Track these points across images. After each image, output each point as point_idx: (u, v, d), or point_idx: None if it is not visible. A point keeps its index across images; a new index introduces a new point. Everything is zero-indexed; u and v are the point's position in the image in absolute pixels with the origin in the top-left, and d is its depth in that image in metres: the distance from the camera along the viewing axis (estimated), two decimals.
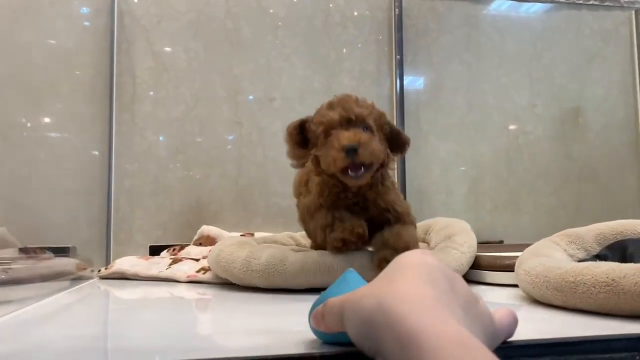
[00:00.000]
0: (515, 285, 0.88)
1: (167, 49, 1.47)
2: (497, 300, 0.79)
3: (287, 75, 1.52)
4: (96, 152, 1.41)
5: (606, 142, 1.67)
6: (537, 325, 0.60)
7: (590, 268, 0.65)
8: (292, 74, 1.52)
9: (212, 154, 1.47)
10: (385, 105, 1.57)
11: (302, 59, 1.53)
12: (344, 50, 1.56)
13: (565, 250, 0.86)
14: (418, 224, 1.02)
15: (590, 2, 1.69)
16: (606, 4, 1.70)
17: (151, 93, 1.46)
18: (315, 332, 0.46)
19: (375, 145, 0.78)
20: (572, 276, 0.66)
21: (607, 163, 1.66)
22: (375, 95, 1.57)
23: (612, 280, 0.61)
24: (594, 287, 0.63)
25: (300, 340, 0.47)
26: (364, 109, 0.80)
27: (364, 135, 0.76)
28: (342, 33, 1.57)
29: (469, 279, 0.99)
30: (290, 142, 0.87)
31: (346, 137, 0.75)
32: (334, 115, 0.78)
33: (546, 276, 0.70)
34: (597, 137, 1.67)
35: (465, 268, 0.95)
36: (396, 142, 0.87)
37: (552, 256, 0.80)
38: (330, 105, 0.80)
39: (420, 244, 1.16)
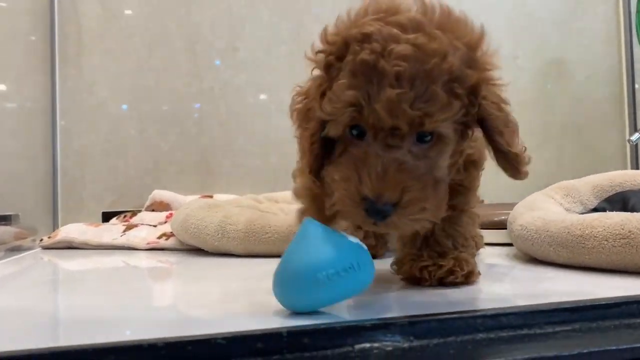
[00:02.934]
0: (507, 244, 0.80)
1: None
2: (488, 260, 0.70)
3: (251, 22, 1.38)
4: (37, 110, 1.27)
5: (589, 95, 1.60)
6: (545, 286, 0.52)
7: (600, 219, 0.57)
8: (257, 21, 1.39)
9: (169, 111, 1.34)
10: None
11: (267, 4, 1.39)
12: None
13: (561, 204, 0.78)
14: None
15: None
16: None
17: (99, 43, 1.31)
18: (281, 301, 0.40)
19: (431, 194, 0.42)
20: (580, 229, 0.57)
21: (590, 117, 1.59)
22: None
23: (629, 232, 0.53)
24: (606, 240, 0.54)
25: (269, 312, 0.40)
26: (436, 103, 0.41)
27: (413, 183, 0.41)
28: None
29: None
30: (306, 149, 0.47)
31: (374, 179, 0.40)
32: (366, 109, 0.41)
33: (548, 230, 0.61)
34: (580, 90, 1.59)
35: None
36: (492, 138, 0.47)
37: (549, 209, 0.72)
38: (365, 70, 0.41)
39: None
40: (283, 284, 0.39)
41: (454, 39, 0.42)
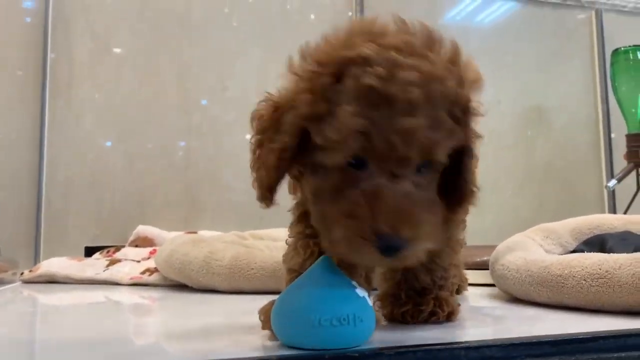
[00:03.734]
0: (488, 285, 0.81)
1: (109, 28, 1.35)
2: (471, 300, 0.71)
3: (241, 62, 1.42)
4: (25, 140, 1.27)
5: (568, 140, 1.65)
6: (525, 326, 0.53)
7: (579, 260, 0.58)
8: (247, 61, 1.42)
9: (157, 145, 1.35)
10: None
11: (258, 44, 1.43)
12: (304, 38, 1.47)
13: (541, 245, 0.80)
14: None
15: (552, 0, 1.67)
16: (567, 2, 1.68)
17: (90, 76, 1.32)
18: (275, 331, 0.40)
19: (439, 232, 0.42)
20: (559, 269, 0.59)
21: (570, 161, 1.64)
22: None
23: (606, 271, 0.55)
24: (584, 280, 0.56)
25: (258, 344, 0.40)
26: (445, 128, 0.40)
27: (426, 216, 0.40)
28: (301, 20, 1.48)
29: None
30: (270, 168, 0.44)
31: (390, 213, 0.38)
32: (376, 139, 0.39)
33: (529, 270, 0.63)
34: (560, 135, 1.65)
35: None
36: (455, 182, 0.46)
37: (529, 250, 0.74)
38: (371, 96, 0.39)
39: None
40: (279, 315, 0.40)
41: (445, 60, 0.42)
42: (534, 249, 0.76)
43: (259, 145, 0.46)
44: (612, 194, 1.63)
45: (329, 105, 0.40)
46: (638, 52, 1.43)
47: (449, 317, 0.50)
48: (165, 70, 1.38)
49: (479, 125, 0.46)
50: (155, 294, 0.85)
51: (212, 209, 1.36)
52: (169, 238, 1.05)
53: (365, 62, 0.39)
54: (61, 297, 0.86)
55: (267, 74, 1.42)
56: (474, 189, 0.46)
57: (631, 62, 1.42)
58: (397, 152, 0.39)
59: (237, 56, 1.42)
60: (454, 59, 0.43)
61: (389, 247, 0.38)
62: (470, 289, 0.79)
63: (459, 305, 0.52)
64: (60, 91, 1.30)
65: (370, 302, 0.40)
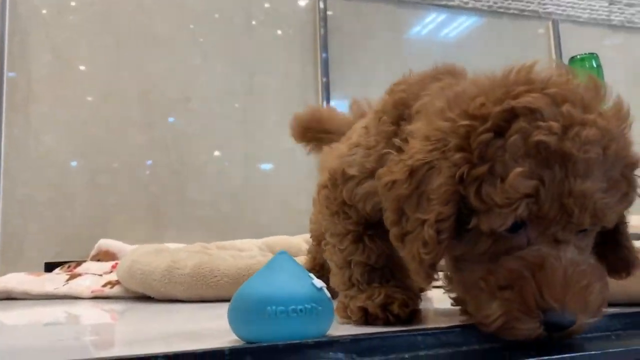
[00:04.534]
0: None
1: (70, 42, 1.32)
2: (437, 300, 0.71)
3: (204, 74, 1.41)
4: None
5: None
6: None
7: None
8: (210, 73, 1.41)
9: (120, 159, 1.33)
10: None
11: (221, 57, 1.43)
12: (267, 49, 1.47)
13: None
14: None
15: (511, 12, 1.71)
16: (525, 14, 1.73)
17: (50, 92, 1.30)
18: (231, 325, 0.39)
19: (605, 293, 0.37)
20: None
21: None
22: (300, 96, 1.49)
23: None
24: None
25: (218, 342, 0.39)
26: (619, 190, 0.37)
27: (595, 287, 0.35)
28: (264, 32, 1.48)
29: None
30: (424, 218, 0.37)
31: (559, 286, 0.34)
32: (547, 201, 0.35)
33: None
34: None
35: None
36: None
37: None
38: (543, 154, 0.35)
39: None
40: (234, 309, 0.39)
41: (615, 116, 0.37)
42: None
43: (401, 214, 0.38)
44: None
45: (489, 165, 0.35)
46: (593, 60, 1.47)
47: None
48: (128, 86, 1.36)
49: None
50: (116, 306, 0.83)
51: (177, 223, 1.34)
52: (131, 249, 1.03)
53: (534, 115, 0.35)
54: (19, 313, 0.83)
55: (232, 88, 1.42)
56: (634, 247, 0.41)
57: (587, 69, 1.46)
58: (570, 218, 0.35)
59: (200, 70, 1.42)
60: (621, 114, 0.38)
61: (556, 324, 0.34)
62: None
63: None
64: (18, 107, 1.27)
65: (328, 293, 0.40)
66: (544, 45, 1.74)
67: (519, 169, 0.34)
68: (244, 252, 1.12)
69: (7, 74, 1.27)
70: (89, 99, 1.33)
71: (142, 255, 0.86)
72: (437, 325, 0.37)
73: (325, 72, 1.51)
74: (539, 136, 0.34)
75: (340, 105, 1.52)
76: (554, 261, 0.34)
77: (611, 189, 0.35)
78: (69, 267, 1.12)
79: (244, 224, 1.37)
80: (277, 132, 1.46)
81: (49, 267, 1.18)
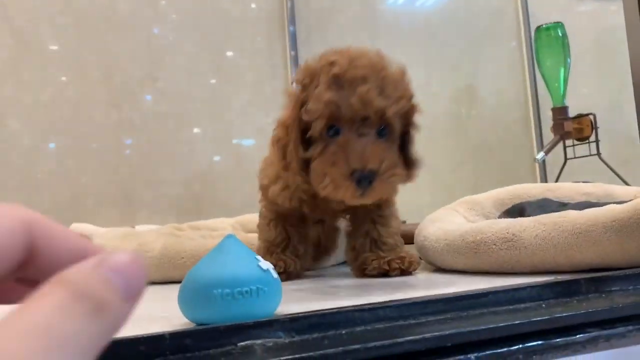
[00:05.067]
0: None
1: (30, 24, 1.30)
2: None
3: (172, 52, 1.39)
4: None
5: (500, 118, 1.70)
6: (439, 289, 0.54)
7: (489, 225, 0.61)
8: (177, 52, 1.40)
9: (87, 142, 1.31)
10: (280, 83, 1.49)
11: (188, 36, 1.41)
12: (234, 25, 1.46)
13: (465, 217, 0.83)
14: None
15: None
16: None
17: (13, 75, 1.28)
18: (180, 307, 0.40)
19: (400, 171, 0.56)
20: (472, 236, 0.61)
21: (502, 139, 1.70)
22: (270, 72, 1.48)
23: (513, 235, 0.57)
24: (494, 244, 0.58)
25: (170, 325, 0.40)
26: (391, 99, 0.54)
27: (386, 156, 0.53)
28: (231, 8, 1.47)
29: None
30: (289, 141, 0.57)
31: (358, 155, 0.52)
32: (343, 105, 0.53)
33: (446, 239, 0.65)
34: (491, 115, 1.70)
35: None
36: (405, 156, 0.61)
37: (451, 221, 0.76)
38: (337, 80, 0.53)
39: None
40: (182, 292, 0.40)
41: (387, 62, 0.57)
42: (457, 220, 0.79)
43: (283, 154, 0.59)
44: (543, 167, 1.70)
45: (309, 94, 0.56)
46: (559, 29, 1.49)
47: (410, 266, 0.63)
48: (93, 67, 1.34)
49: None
50: None
51: (149, 204, 1.34)
52: (99, 233, 1.03)
53: (333, 63, 0.54)
54: None
55: (200, 66, 1.41)
56: (416, 157, 0.62)
57: (553, 38, 1.48)
58: (359, 113, 0.53)
59: (167, 49, 1.40)
60: (408, 91, 0.59)
61: (361, 179, 0.51)
62: None
63: (420, 258, 0.66)
64: None
65: (275, 274, 0.41)
66: (512, 15, 1.75)
67: (320, 88, 0.54)
68: (217, 231, 1.13)
69: None
70: (53, 80, 1.31)
71: (109, 240, 0.86)
72: (373, 301, 0.38)
73: (294, 45, 1.50)
74: (334, 71, 0.53)
75: None
76: (356, 142, 0.53)
77: (387, 95, 0.54)
78: None
79: (216, 204, 1.37)
80: (248, 110, 1.46)
81: None
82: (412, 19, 1.66)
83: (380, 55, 0.57)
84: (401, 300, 0.38)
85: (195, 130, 1.40)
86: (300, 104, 0.56)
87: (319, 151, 0.55)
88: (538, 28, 1.52)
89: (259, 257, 0.42)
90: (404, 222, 1.54)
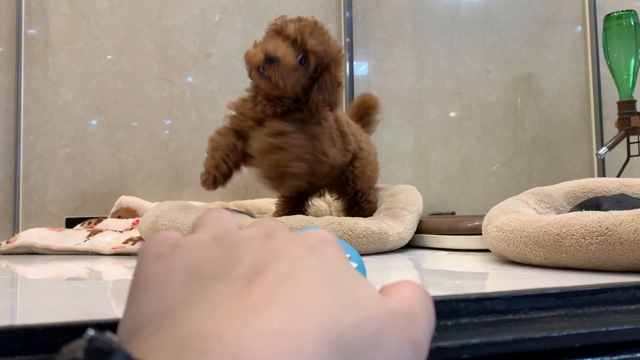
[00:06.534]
0: (480, 250, 0.80)
1: None
2: (466, 263, 0.69)
3: (224, 28, 1.37)
4: (0, 110, 1.22)
5: (558, 110, 1.62)
6: (525, 280, 0.50)
7: (577, 218, 0.56)
8: (230, 28, 1.37)
9: (138, 115, 1.30)
10: None
11: (241, 12, 1.38)
12: (288, 6, 1.42)
13: (534, 209, 0.78)
14: None
15: None
16: None
17: (67, 44, 1.27)
18: None
19: (294, 78, 0.76)
20: (557, 228, 0.57)
21: (559, 132, 1.62)
22: None
23: (606, 228, 0.52)
24: (583, 238, 0.54)
25: None
26: (315, 41, 0.76)
27: (292, 56, 0.75)
28: None
29: (419, 244, 0.91)
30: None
31: (273, 46, 0.74)
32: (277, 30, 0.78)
33: (524, 230, 0.60)
34: (549, 106, 1.62)
35: (411, 232, 0.87)
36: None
37: (523, 213, 0.71)
38: (275, 30, 0.78)
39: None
40: None
41: (316, 25, 0.78)
42: (528, 211, 0.74)
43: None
44: (602, 163, 1.62)
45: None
46: (631, 18, 1.40)
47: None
48: (146, 39, 1.33)
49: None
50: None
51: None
52: (153, 205, 1.02)
53: (274, 23, 0.78)
54: (41, 267, 0.83)
55: (250, 41, 1.38)
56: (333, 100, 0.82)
57: (624, 28, 1.39)
58: (287, 30, 0.76)
59: (220, 25, 1.37)
60: (330, 48, 0.79)
61: (269, 57, 0.73)
62: (461, 254, 0.77)
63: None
64: (36, 59, 1.25)
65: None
66: (577, 2, 1.66)
67: (264, 38, 0.79)
68: (263, 212, 1.11)
69: (27, 31, 1.24)
70: (106, 53, 1.30)
71: (166, 211, 0.85)
72: (481, 291, 0.34)
73: (349, 32, 1.45)
74: (272, 27, 0.78)
75: (360, 66, 1.47)
76: (278, 41, 0.77)
77: (311, 35, 0.76)
78: (89, 223, 1.11)
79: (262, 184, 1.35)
80: None
81: (70, 222, 1.18)
82: (471, 3, 1.59)
83: (316, 23, 0.78)
84: (510, 291, 0.34)
85: None
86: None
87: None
88: (608, 16, 1.44)
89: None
90: (453, 213, 1.50)
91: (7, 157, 1.22)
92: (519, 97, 1.61)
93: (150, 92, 1.31)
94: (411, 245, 0.90)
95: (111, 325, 0.30)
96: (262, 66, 0.74)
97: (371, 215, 0.92)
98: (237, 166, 0.85)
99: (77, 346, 0.16)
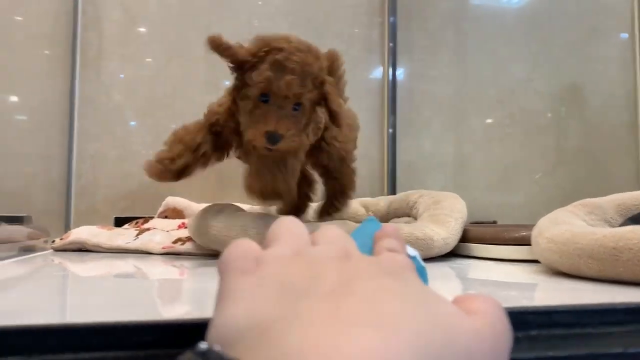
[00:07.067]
0: (526, 261, 0.79)
1: (137, 1, 1.33)
2: (514, 277, 0.69)
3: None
4: (55, 112, 1.27)
5: (604, 121, 1.59)
6: (581, 294, 0.50)
7: (635, 231, 0.55)
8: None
9: (185, 119, 1.33)
10: (376, 71, 1.46)
11: (287, 19, 1.40)
12: (333, 12, 1.44)
13: (585, 220, 0.77)
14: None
15: None
16: None
17: (119, 49, 1.31)
18: None
19: (298, 139, 0.75)
20: (613, 241, 0.56)
21: (604, 143, 1.59)
22: (366, 60, 1.46)
23: None
24: None
25: None
26: (306, 88, 0.73)
27: (291, 127, 0.72)
28: None
29: (462, 253, 0.90)
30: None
31: (273, 124, 0.71)
32: (274, 83, 0.71)
33: (577, 243, 0.60)
34: (595, 116, 1.59)
35: (456, 238, 0.87)
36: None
37: (575, 224, 0.71)
38: (277, 64, 0.70)
39: (405, 218, 1.08)
40: None
41: (315, 56, 0.73)
42: (578, 223, 0.73)
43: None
44: None
45: (255, 68, 0.72)
46: None
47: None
48: (194, 46, 1.36)
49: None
50: (187, 263, 0.84)
51: (239, 183, 1.34)
52: (199, 207, 1.05)
53: (280, 49, 0.71)
54: (92, 265, 0.86)
55: None
56: (338, 110, 0.77)
57: None
58: (286, 94, 0.70)
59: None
60: (319, 55, 0.75)
61: (271, 136, 0.70)
62: (507, 264, 0.77)
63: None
64: (90, 63, 1.29)
65: (422, 261, 0.39)
66: (626, 11, 1.63)
67: (262, 67, 0.71)
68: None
69: (81, 29, 1.29)
70: (155, 58, 1.33)
71: (214, 215, 0.87)
72: (547, 304, 0.34)
73: (393, 37, 1.46)
74: (277, 57, 0.70)
75: (402, 72, 1.47)
76: (273, 112, 0.71)
77: (303, 85, 0.71)
78: (136, 223, 1.14)
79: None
80: None
81: (119, 221, 1.21)
82: (516, 11, 1.58)
83: (312, 50, 0.74)
84: (578, 305, 0.34)
85: None
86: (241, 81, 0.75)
87: (250, 109, 0.73)
88: None
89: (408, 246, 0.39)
90: (495, 222, 1.48)
91: (61, 158, 1.27)
92: (563, 106, 1.59)
93: (197, 96, 1.35)
94: (454, 254, 0.90)
95: (153, 328, 0.31)
96: (267, 147, 0.71)
97: (349, 186, 1.00)
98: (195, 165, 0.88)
99: (192, 357, 0.17)
